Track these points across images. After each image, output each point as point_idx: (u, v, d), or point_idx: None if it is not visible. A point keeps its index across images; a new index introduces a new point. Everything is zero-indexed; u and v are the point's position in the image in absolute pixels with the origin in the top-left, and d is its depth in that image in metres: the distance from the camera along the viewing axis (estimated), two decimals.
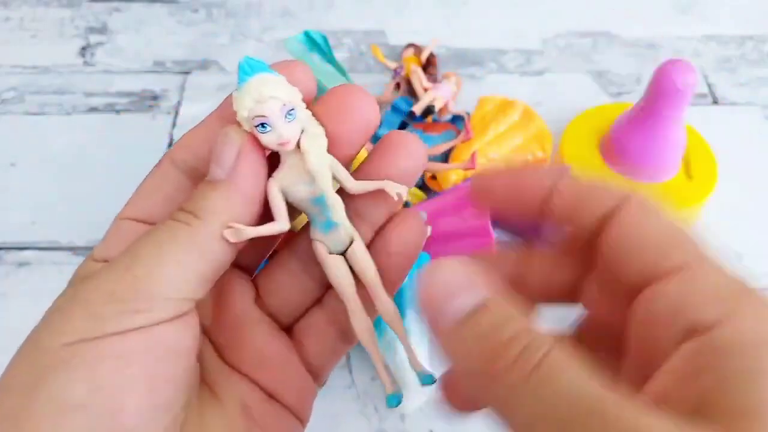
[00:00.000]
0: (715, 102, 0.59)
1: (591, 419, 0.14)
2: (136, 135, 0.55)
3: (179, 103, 0.57)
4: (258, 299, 0.24)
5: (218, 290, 0.23)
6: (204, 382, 0.22)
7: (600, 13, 0.67)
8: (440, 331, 0.17)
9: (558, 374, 0.15)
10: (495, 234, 0.42)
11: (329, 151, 0.20)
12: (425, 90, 0.55)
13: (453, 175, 0.48)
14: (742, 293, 0.16)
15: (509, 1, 0.68)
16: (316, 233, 0.21)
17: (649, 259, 0.17)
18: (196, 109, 0.56)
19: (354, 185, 0.21)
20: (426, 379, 0.22)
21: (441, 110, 0.53)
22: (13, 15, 0.65)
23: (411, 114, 0.53)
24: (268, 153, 0.21)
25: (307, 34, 0.56)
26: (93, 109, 0.57)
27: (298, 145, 0.20)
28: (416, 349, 0.23)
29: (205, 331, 0.23)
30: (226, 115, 0.21)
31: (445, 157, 0.50)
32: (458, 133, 0.51)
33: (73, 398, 0.17)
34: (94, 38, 0.63)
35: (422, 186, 0.50)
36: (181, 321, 0.19)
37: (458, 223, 0.43)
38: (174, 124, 0.55)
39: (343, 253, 0.22)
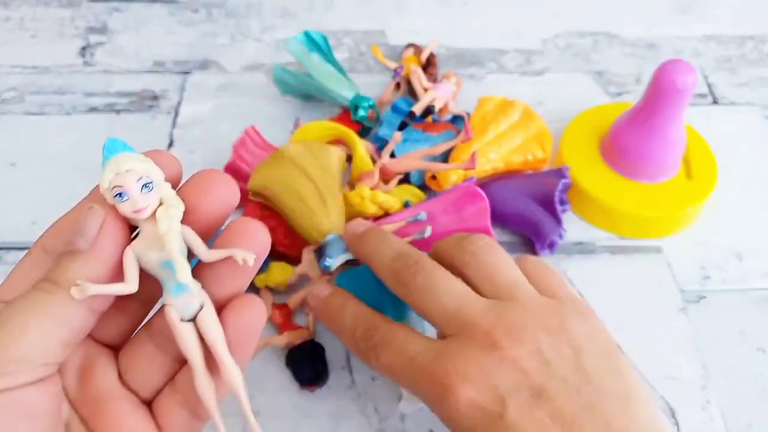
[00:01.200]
0: (715, 102, 0.59)
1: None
2: (136, 135, 0.55)
3: (179, 103, 0.57)
4: (121, 376, 0.25)
5: (83, 364, 0.24)
6: None
7: (600, 13, 0.67)
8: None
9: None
10: (495, 234, 0.42)
11: (187, 222, 0.22)
12: (425, 90, 0.55)
13: (453, 175, 0.48)
14: None
15: (509, 1, 0.68)
16: (168, 298, 0.23)
17: None
18: (196, 109, 0.56)
19: (205, 253, 0.22)
20: None
21: (441, 110, 0.53)
22: (13, 15, 0.65)
23: (411, 114, 0.53)
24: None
25: (307, 34, 0.56)
26: (93, 109, 0.57)
27: (154, 215, 0.22)
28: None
29: (71, 403, 0.24)
30: (96, 200, 0.23)
31: (445, 157, 0.50)
32: (458, 133, 0.51)
33: None
34: (94, 38, 0.63)
35: (422, 186, 0.50)
36: (43, 384, 0.20)
37: (458, 223, 0.43)
38: (174, 124, 0.55)
39: (194, 319, 0.23)
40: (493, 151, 0.50)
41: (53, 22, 0.65)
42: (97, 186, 0.23)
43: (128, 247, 0.22)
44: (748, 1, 0.69)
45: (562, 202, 0.47)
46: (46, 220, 0.48)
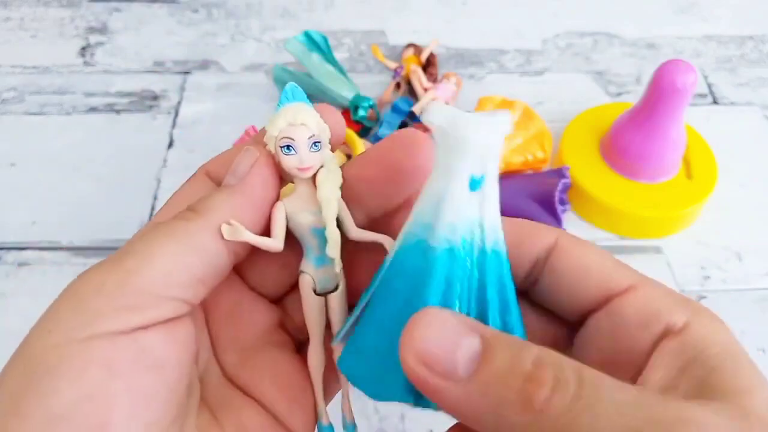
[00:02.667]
0: (715, 102, 0.59)
1: (653, 422, 0.15)
2: (136, 135, 0.55)
3: (179, 103, 0.57)
4: (282, 323, 0.24)
5: (234, 309, 0.23)
6: (204, 403, 0.21)
7: (600, 13, 0.67)
8: (450, 392, 0.16)
9: (601, 389, 0.15)
10: None
11: (344, 194, 0.21)
12: (425, 90, 0.55)
13: None
14: (687, 301, 0.19)
15: (509, 1, 0.68)
16: (307, 266, 0.21)
17: (600, 282, 0.19)
18: (196, 109, 0.56)
19: (355, 231, 0.21)
20: (350, 429, 0.23)
21: None
22: (13, 15, 0.65)
23: (411, 114, 0.53)
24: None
25: (307, 34, 0.56)
26: (93, 109, 0.57)
27: (313, 177, 0.20)
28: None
29: (213, 350, 0.22)
30: (257, 140, 0.22)
31: None
32: None
33: (59, 408, 0.16)
34: (94, 38, 0.63)
35: None
36: (173, 329, 0.18)
37: None
38: (174, 124, 0.55)
39: (326, 294, 0.22)
40: None
41: (53, 22, 0.65)
42: (262, 130, 0.21)
43: (280, 203, 0.20)
44: (748, 1, 0.68)
45: (562, 202, 0.47)
46: (46, 220, 0.49)
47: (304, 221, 0.20)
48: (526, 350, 0.16)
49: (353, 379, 0.19)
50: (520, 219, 0.21)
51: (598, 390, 0.15)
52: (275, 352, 0.23)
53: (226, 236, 0.19)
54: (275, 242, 0.20)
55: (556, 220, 0.46)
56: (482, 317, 0.18)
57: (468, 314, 0.18)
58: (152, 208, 0.49)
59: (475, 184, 0.17)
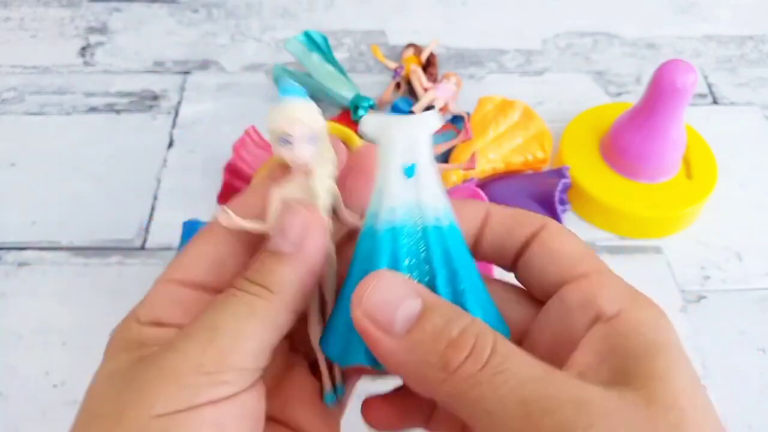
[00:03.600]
0: (715, 102, 0.59)
1: (545, 394, 0.17)
2: (136, 135, 0.55)
3: (179, 103, 0.57)
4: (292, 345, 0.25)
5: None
6: None
7: (600, 13, 0.67)
8: (385, 344, 0.18)
9: (509, 361, 0.17)
10: None
11: (337, 184, 0.22)
12: (425, 90, 0.55)
13: (453, 175, 0.48)
14: (634, 293, 0.20)
15: (509, 1, 0.68)
16: None
17: (563, 268, 0.21)
18: (196, 109, 0.56)
19: (345, 215, 0.23)
20: (329, 398, 0.24)
21: (441, 110, 0.53)
22: (13, 15, 0.65)
23: (411, 114, 0.53)
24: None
25: (307, 34, 0.56)
26: (93, 109, 0.57)
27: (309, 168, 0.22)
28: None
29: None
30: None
31: (445, 157, 0.50)
32: (458, 133, 0.51)
33: None
34: (94, 38, 0.63)
35: None
36: (257, 388, 0.20)
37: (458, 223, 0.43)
38: (174, 124, 0.55)
39: None
40: (493, 152, 0.50)
41: (53, 22, 0.65)
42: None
43: (277, 190, 0.22)
44: (748, 1, 0.69)
45: (562, 202, 0.47)
46: (46, 220, 0.49)
47: None
48: (457, 319, 0.18)
49: (329, 352, 0.22)
50: (515, 208, 0.23)
51: (506, 361, 0.17)
52: (297, 377, 0.24)
53: (223, 224, 0.21)
54: (267, 225, 0.21)
55: (556, 220, 0.46)
56: (431, 286, 0.20)
57: (415, 275, 0.21)
58: (152, 208, 0.49)
59: (408, 172, 0.20)
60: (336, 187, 0.22)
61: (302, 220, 0.21)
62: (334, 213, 0.23)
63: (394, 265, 0.20)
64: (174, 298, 0.22)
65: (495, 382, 0.17)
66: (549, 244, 0.22)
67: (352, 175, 0.23)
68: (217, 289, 0.23)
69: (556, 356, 0.20)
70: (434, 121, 0.21)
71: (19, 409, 0.39)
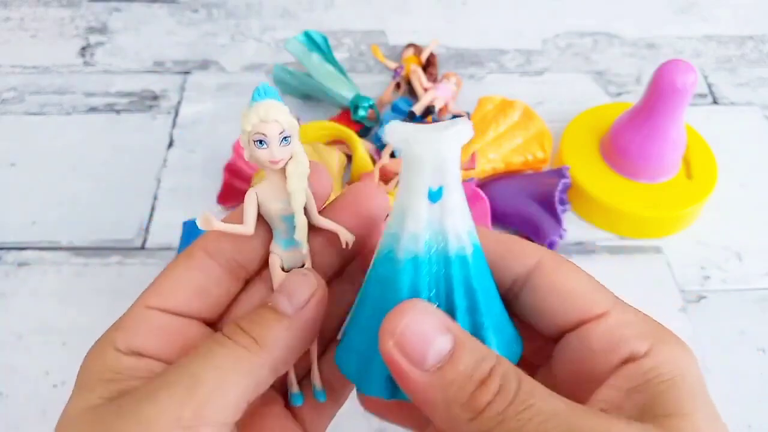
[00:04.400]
0: (715, 102, 0.59)
1: (570, 430, 0.17)
2: (136, 135, 0.55)
3: (179, 103, 0.57)
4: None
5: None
6: None
7: (600, 13, 0.67)
8: (416, 379, 0.18)
9: (534, 398, 0.18)
10: None
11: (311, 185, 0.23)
12: (425, 90, 0.55)
13: None
14: (658, 329, 0.20)
15: (509, 1, 0.68)
16: (276, 248, 0.23)
17: (575, 307, 0.21)
18: (196, 109, 0.56)
19: (317, 219, 0.23)
20: (320, 395, 0.24)
21: (441, 110, 0.53)
22: (13, 15, 0.65)
23: (411, 114, 0.53)
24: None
25: (307, 34, 0.56)
26: (93, 109, 0.57)
27: (283, 168, 0.22)
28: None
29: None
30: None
31: None
32: None
33: None
34: (94, 38, 0.63)
35: None
36: None
37: None
38: (174, 124, 0.55)
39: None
40: (493, 152, 0.50)
41: (53, 22, 0.65)
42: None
43: (252, 190, 0.22)
44: (748, 1, 0.68)
45: (562, 202, 0.47)
46: (46, 220, 0.49)
47: (274, 208, 0.22)
48: (486, 360, 0.18)
49: (346, 372, 0.21)
50: (507, 235, 0.23)
51: (531, 397, 0.18)
52: (271, 413, 0.24)
53: (200, 226, 0.21)
54: (246, 228, 0.22)
55: (556, 220, 0.46)
56: (451, 317, 0.19)
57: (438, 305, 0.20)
58: (152, 208, 0.49)
59: (434, 196, 0.19)
60: (308, 188, 0.23)
61: (310, 289, 0.21)
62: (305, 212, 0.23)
63: (416, 296, 0.20)
64: (154, 326, 0.21)
65: (522, 419, 0.17)
66: (552, 281, 0.21)
67: (339, 207, 0.24)
68: (199, 318, 0.22)
69: (578, 392, 0.20)
70: (466, 133, 0.19)
71: (19, 409, 0.39)
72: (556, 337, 0.22)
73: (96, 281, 0.45)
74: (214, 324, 0.23)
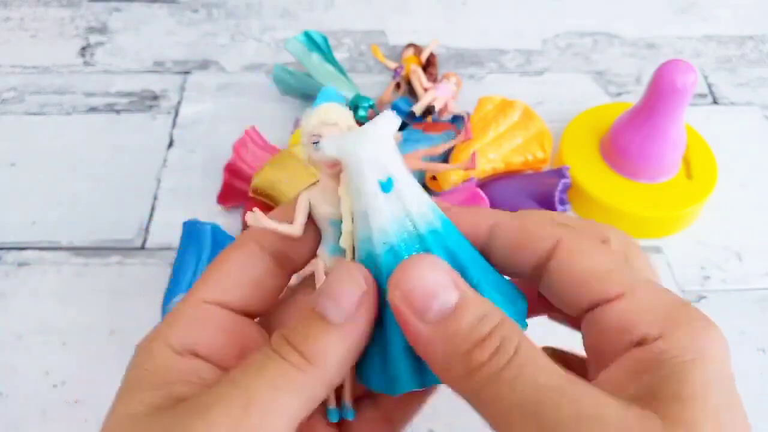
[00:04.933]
0: (715, 102, 0.59)
1: (560, 403, 0.16)
2: (136, 135, 0.55)
3: (179, 103, 0.57)
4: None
5: None
6: None
7: (600, 13, 0.67)
8: (418, 329, 0.18)
9: (528, 367, 0.17)
10: None
11: None
12: (425, 90, 0.55)
13: (453, 175, 0.48)
14: (678, 308, 0.19)
15: (509, 1, 0.68)
16: (323, 252, 0.23)
17: (592, 290, 0.20)
18: (196, 109, 0.56)
19: None
20: (349, 414, 0.23)
21: (441, 110, 0.53)
22: (13, 15, 0.65)
23: (411, 114, 0.53)
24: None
25: (307, 34, 0.56)
26: (93, 109, 0.57)
27: (338, 173, 0.21)
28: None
29: None
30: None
31: (445, 157, 0.50)
32: (458, 133, 0.51)
33: None
34: (94, 38, 0.63)
35: (422, 186, 0.50)
36: None
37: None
38: (174, 124, 0.55)
39: None
40: (493, 152, 0.50)
41: (53, 22, 0.65)
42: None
43: (305, 193, 0.22)
44: (748, 1, 0.68)
45: (562, 202, 0.47)
46: (46, 220, 0.49)
47: (323, 212, 0.22)
48: (488, 318, 0.18)
49: (370, 384, 0.21)
50: (523, 215, 0.22)
51: (526, 365, 0.17)
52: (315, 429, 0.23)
53: (249, 222, 0.21)
54: (295, 229, 0.22)
55: None
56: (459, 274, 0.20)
57: None
58: (152, 208, 0.49)
59: (386, 187, 0.20)
60: None
61: (360, 290, 0.19)
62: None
63: None
64: (212, 325, 0.20)
65: (513, 385, 0.17)
66: (570, 263, 0.21)
67: None
68: (254, 313, 0.22)
69: (585, 370, 0.20)
70: (392, 123, 0.20)
71: (19, 409, 0.39)
72: (579, 318, 0.21)
73: (96, 281, 0.45)
74: (262, 316, 0.23)
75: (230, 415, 0.18)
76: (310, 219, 0.22)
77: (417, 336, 0.18)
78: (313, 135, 0.21)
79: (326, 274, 0.22)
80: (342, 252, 0.22)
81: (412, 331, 0.19)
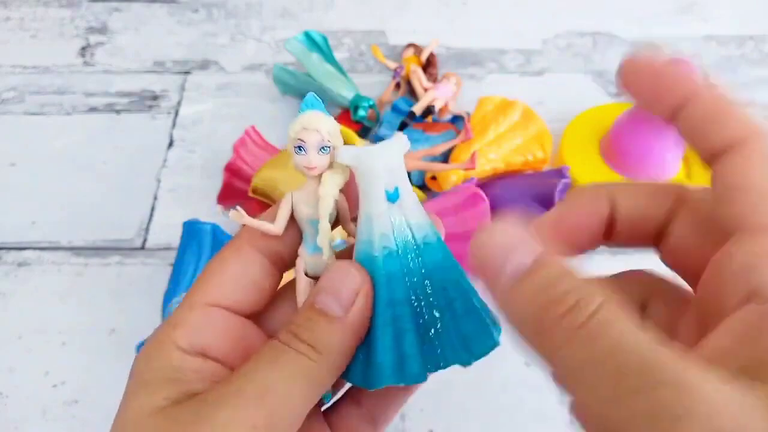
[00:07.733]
0: None
1: (639, 370, 0.15)
2: (136, 135, 0.55)
3: (179, 103, 0.57)
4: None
5: None
6: None
7: (600, 13, 0.67)
8: (497, 289, 0.18)
9: (608, 327, 0.16)
10: None
11: (349, 191, 0.23)
12: (425, 90, 0.55)
13: (453, 175, 0.48)
14: None
15: (509, 1, 0.68)
16: (303, 251, 0.24)
17: (746, 207, 0.17)
18: (196, 109, 0.56)
19: (348, 226, 0.24)
20: (325, 396, 0.24)
21: (441, 110, 0.53)
22: (13, 15, 0.65)
23: (411, 114, 0.53)
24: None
25: (307, 34, 0.56)
26: (93, 109, 0.57)
27: (320, 176, 0.23)
28: None
29: None
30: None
31: (445, 157, 0.50)
32: (458, 133, 0.51)
33: None
34: (94, 38, 0.63)
35: (422, 186, 0.50)
36: None
37: (459, 224, 0.43)
38: (174, 124, 0.55)
39: (315, 278, 0.24)
40: (493, 152, 0.50)
41: (53, 22, 0.65)
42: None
43: (289, 193, 0.23)
44: (748, 1, 0.69)
45: None
46: (46, 220, 0.49)
47: (304, 211, 0.23)
48: (565, 277, 0.17)
49: (350, 379, 0.22)
50: (639, 184, 0.22)
51: (605, 326, 0.16)
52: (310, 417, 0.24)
53: (232, 219, 0.22)
54: (275, 227, 0.23)
55: None
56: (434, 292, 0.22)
57: (416, 292, 0.22)
58: (152, 208, 0.49)
59: (392, 197, 0.22)
60: (343, 198, 0.23)
61: (356, 286, 0.21)
62: (339, 223, 0.24)
63: (391, 284, 0.21)
64: (218, 327, 0.21)
65: (590, 345, 0.16)
66: (739, 170, 0.18)
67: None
68: (253, 313, 0.22)
69: (700, 331, 0.17)
70: (405, 144, 0.22)
71: (19, 409, 0.39)
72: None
73: (96, 281, 0.45)
74: (256, 317, 0.23)
75: (249, 403, 0.19)
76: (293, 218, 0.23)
77: (493, 295, 0.18)
78: (296, 140, 0.22)
79: (306, 273, 0.24)
80: (319, 252, 0.23)
81: (491, 290, 0.18)
